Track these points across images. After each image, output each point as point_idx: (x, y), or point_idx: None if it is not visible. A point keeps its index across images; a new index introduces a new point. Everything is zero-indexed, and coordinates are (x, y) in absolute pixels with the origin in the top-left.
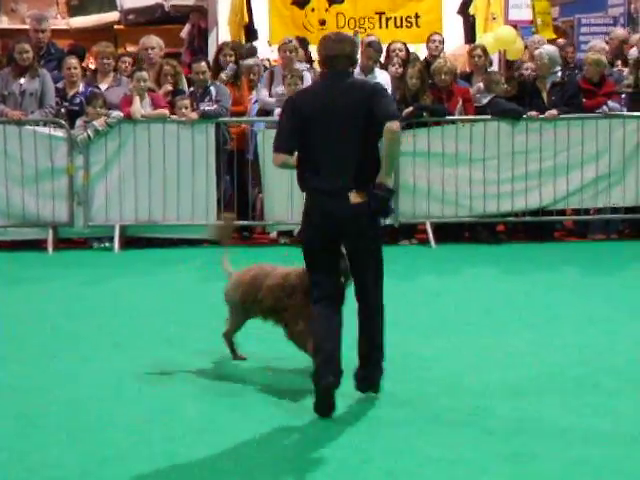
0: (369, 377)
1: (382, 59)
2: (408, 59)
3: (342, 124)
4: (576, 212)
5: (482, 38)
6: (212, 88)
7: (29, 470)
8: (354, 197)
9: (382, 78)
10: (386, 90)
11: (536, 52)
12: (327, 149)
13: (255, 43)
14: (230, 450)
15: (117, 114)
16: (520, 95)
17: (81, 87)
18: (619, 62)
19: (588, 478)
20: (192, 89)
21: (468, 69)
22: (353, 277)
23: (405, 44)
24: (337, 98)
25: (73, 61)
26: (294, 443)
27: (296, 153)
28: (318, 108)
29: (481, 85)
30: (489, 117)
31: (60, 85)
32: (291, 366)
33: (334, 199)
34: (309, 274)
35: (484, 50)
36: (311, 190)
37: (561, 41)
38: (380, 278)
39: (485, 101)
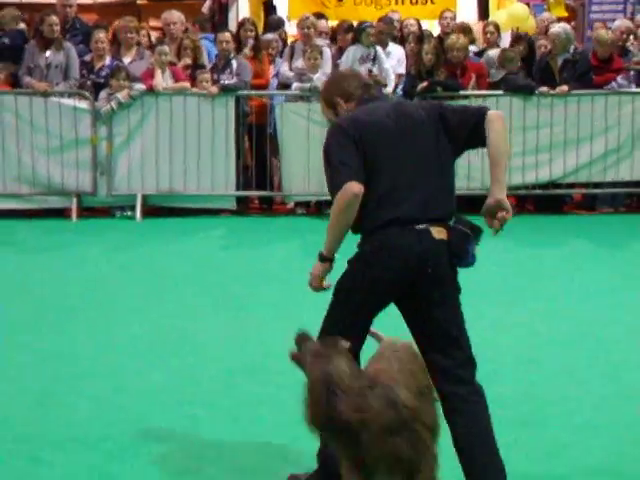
0: None
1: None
2: (422, 35)
3: (415, 146)
4: (585, 186)
5: (495, 15)
6: (233, 61)
7: (56, 432)
8: (437, 232)
9: (397, 52)
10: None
11: (552, 30)
12: (402, 174)
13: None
14: (247, 414)
15: (140, 87)
16: (532, 71)
17: (107, 60)
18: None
19: (596, 443)
20: (214, 62)
21: (481, 45)
22: (426, 342)
23: (418, 20)
24: (399, 119)
25: (101, 35)
26: None
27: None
28: (381, 132)
29: (490, 54)
30: (501, 92)
31: (87, 58)
32: None
33: (414, 233)
34: (333, 329)
35: (496, 27)
36: (380, 226)
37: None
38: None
39: (499, 77)
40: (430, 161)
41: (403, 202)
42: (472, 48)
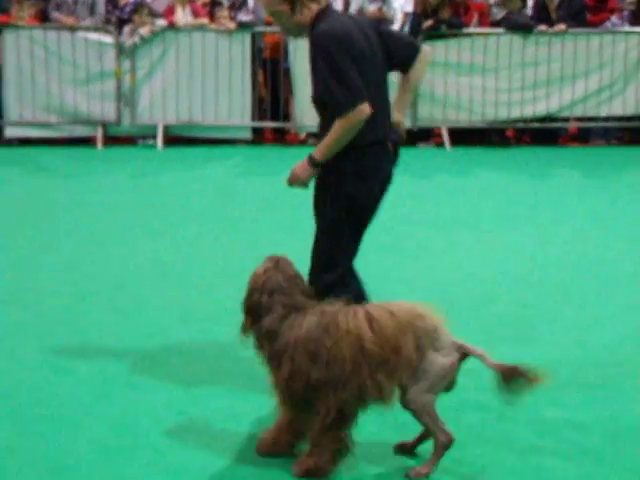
0: None
1: None
2: None
3: (380, 64)
4: (579, 119)
5: None
6: (250, 1)
7: (83, 344)
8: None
9: None
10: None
11: None
12: (377, 93)
13: None
14: None
15: (161, 22)
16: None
17: None
18: None
19: (589, 359)
20: (232, 0)
21: None
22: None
23: None
24: (366, 38)
25: None
26: None
27: None
28: (366, 47)
29: None
30: (502, 30)
31: None
32: None
33: (389, 153)
34: (351, 249)
35: None
36: (367, 145)
37: None
38: None
39: (500, 16)
40: (385, 82)
41: (379, 122)
42: None
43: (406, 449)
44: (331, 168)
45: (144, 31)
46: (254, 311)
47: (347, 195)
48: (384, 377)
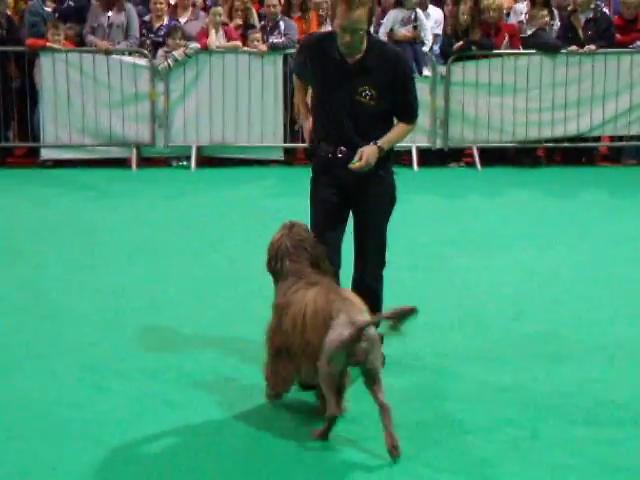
0: None
1: None
2: None
3: None
4: (610, 139)
5: None
6: (281, 22)
7: (120, 362)
8: None
9: (434, 14)
10: None
11: None
12: None
13: None
14: None
15: (195, 45)
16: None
17: (165, 20)
18: None
19: (618, 379)
20: (263, 23)
21: None
22: None
23: None
24: None
25: None
26: None
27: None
28: None
29: (517, 7)
30: (533, 51)
31: (147, 18)
32: None
33: None
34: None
35: None
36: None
37: None
38: None
39: (530, 32)
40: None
41: None
42: None
43: None
44: (386, 169)
45: (177, 54)
46: (273, 276)
47: (394, 192)
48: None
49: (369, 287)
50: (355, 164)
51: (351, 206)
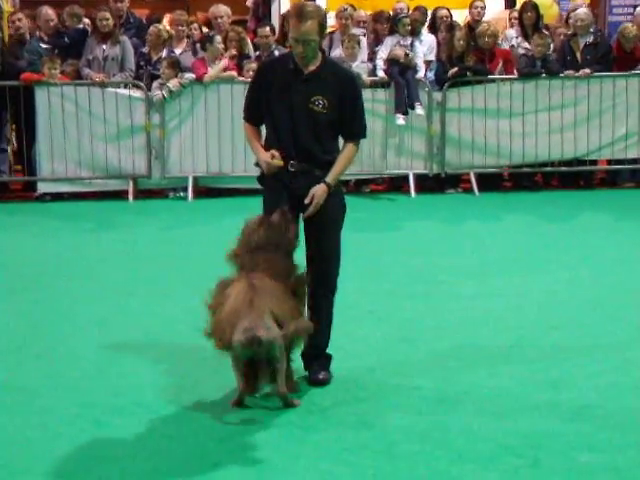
0: None
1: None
2: (452, 24)
3: None
4: (608, 162)
5: (522, 3)
6: (276, 52)
7: (118, 398)
8: None
9: (428, 40)
10: None
11: (577, 12)
12: None
13: None
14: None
15: (189, 76)
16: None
17: (164, 53)
18: None
19: (619, 404)
20: (258, 53)
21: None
22: None
23: (449, 10)
24: None
25: (157, 29)
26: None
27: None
28: None
29: (508, 32)
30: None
31: (145, 50)
32: None
33: None
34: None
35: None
36: None
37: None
38: None
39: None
40: None
41: None
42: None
43: None
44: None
45: (172, 84)
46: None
47: (344, 204)
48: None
49: (325, 297)
50: (308, 211)
51: (301, 215)
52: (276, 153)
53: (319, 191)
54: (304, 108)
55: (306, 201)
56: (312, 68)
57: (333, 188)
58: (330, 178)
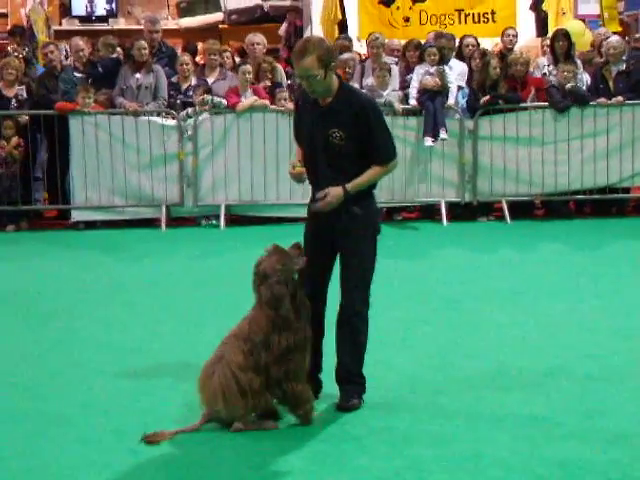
0: None
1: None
2: (485, 52)
3: None
4: None
5: (553, 31)
6: None
7: (151, 425)
8: None
9: (457, 67)
10: None
11: (610, 40)
12: None
13: None
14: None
15: (219, 100)
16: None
17: (193, 81)
18: None
19: None
20: (290, 81)
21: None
22: None
23: (476, 38)
24: None
25: (186, 58)
26: None
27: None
28: None
29: (540, 60)
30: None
31: (174, 79)
32: None
33: None
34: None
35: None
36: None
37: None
38: None
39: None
40: None
41: None
42: None
43: None
44: (366, 208)
45: (205, 113)
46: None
47: (376, 229)
48: None
49: (348, 322)
50: (316, 205)
51: (335, 244)
52: (296, 162)
53: (333, 191)
54: (323, 140)
55: (318, 195)
56: (328, 100)
57: (350, 195)
58: (350, 185)
